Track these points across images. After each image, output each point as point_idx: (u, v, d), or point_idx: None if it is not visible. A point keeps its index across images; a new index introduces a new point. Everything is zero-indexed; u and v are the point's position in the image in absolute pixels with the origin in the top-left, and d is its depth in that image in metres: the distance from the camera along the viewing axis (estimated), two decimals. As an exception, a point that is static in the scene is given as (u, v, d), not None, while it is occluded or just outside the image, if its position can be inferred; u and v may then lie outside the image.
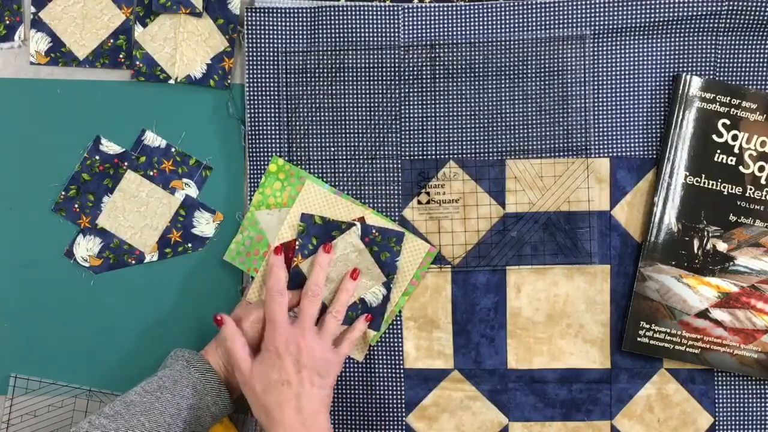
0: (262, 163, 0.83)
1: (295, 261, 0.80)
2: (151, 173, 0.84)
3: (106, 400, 0.84)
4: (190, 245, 0.84)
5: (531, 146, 0.82)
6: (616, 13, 0.81)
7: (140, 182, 0.84)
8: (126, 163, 0.84)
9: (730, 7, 0.80)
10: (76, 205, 0.84)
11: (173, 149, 0.84)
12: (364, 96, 0.83)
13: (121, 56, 0.84)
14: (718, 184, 0.81)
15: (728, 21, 0.80)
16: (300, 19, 0.82)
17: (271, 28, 0.82)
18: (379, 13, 0.82)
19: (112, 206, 0.84)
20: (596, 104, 0.82)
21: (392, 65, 0.83)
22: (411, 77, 0.83)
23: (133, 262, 0.84)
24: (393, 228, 0.82)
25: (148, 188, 0.84)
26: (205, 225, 0.84)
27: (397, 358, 0.83)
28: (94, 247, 0.84)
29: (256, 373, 0.74)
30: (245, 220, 0.83)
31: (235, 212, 0.84)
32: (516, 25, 0.82)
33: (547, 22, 0.81)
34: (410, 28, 0.82)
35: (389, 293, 0.81)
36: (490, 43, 0.82)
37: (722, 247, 0.81)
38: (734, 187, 0.81)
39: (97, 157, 0.84)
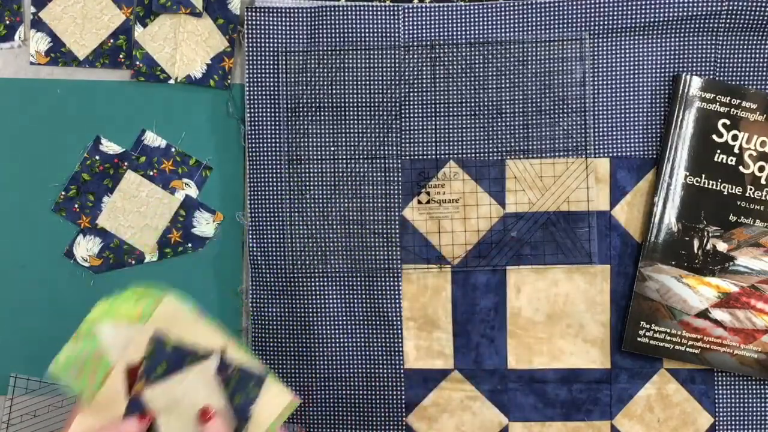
0: (262, 163, 0.83)
1: (136, 387, 0.65)
2: (151, 173, 0.84)
3: (106, 400, 0.84)
4: (190, 245, 0.84)
5: (531, 146, 0.82)
6: (615, 13, 0.81)
7: (140, 182, 0.84)
8: (126, 163, 0.84)
9: (730, 7, 0.80)
10: (76, 205, 0.84)
11: (173, 149, 0.84)
12: (364, 96, 0.83)
13: (121, 56, 0.84)
14: (718, 184, 0.81)
15: (728, 21, 0.80)
16: (300, 19, 0.82)
17: (271, 28, 0.82)
18: (379, 13, 0.82)
19: (112, 206, 0.84)
20: (596, 104, 0.82)
21: (392, 65, 0.83)
22: (411, 77, 0.83)
23: (133, 262, 0.84)
24: (255, 368, 0.67)
25: (148, 188, 0.84)
26: (205, 225, 0.84)
27: (397, 358, 0.83)
28: (94, 247, 0.84)
29: None
30: (81, 330, 0.67)
31: (235, 212, 0.84)
32: (516, 25, 0.82)
33: (547, 22, 0.81)
34: (410, 28, 0.82)
35: None
36: (490, 43, 0.82)
37: (722, 247, 0.81)
38: (734, 187, 0.81)
39: (97, 157, 0.84)
